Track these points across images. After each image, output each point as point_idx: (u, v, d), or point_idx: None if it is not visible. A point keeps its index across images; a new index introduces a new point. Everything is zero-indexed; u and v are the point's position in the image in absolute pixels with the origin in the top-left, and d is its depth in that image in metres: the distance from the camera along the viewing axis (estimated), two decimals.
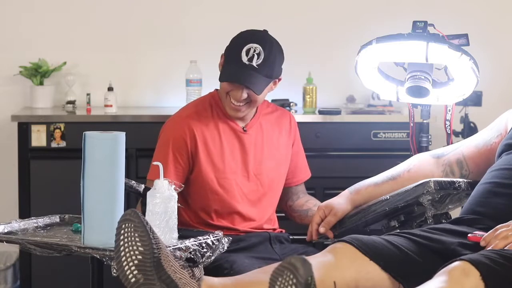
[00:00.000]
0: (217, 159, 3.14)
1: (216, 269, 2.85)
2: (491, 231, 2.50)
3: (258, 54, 3.07)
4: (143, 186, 2.80)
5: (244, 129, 3.19)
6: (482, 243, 2.49)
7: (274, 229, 3.27)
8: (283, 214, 3.39)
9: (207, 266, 2.55)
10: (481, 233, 2.54)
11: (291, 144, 3.29)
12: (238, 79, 3.07)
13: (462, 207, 2.86)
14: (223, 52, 3.17)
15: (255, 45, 3.08)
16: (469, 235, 2.55)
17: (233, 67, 3.09)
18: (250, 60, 3.07)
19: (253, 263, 2.92)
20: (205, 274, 2.51)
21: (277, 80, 3.17)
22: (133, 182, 2.78)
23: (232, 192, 3.15)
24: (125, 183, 2.60)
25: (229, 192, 3.15)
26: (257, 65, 3.07)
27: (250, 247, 3.13)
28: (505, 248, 2.41)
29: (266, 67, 3.08)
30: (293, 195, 3.33)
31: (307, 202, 3.29)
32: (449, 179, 2.88)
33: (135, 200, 4.06)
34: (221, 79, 3.12)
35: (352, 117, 4.31)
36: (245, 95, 3.09)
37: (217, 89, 3.24)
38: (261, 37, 3.12)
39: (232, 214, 3.17)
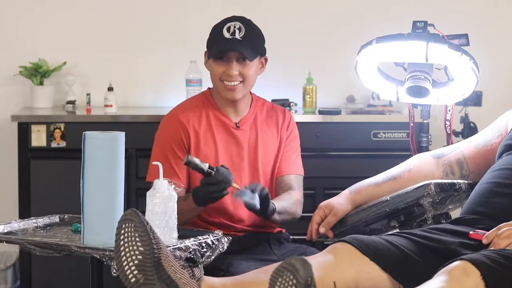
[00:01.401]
0: (210, 156, 3.15)
1: (212, 270, 2.85)
2: (494, 229, 2.50)
3: (239, 29, 3.13)
4: (207, 165, 2.86)
5: (237, 125, 3.20)
6: (485, 241, 2.49)
7: (274, 229, 3.26)
8: None
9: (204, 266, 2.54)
10: (482, 231, 2.54)
11: (284, 138, 3.27)
12: (227, 49, 3.11)
13: (462, 207, 2.86)
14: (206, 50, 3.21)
15: (234, 22, 3.15)
16: (470, 232, 2.55)
17: (218, 45, 3.13)
18: (233, 35, 3.11)
19: (250, 264, 2.92)
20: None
21: (264, 60, 3.21)
22: (197, 159, 2.85)
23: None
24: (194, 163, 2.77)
25: None
26: (241, 38, 3.12)
27: (248, 249, 3.12)
28: (506, 247, 2.41)
29: (250, 38, 3.12)
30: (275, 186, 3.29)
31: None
32: (449, 181, 2.88)
33: (135, 200, 4.07)
34: (210, 56, 3.15)
35: (352, 117, 4.31)
36: (236, 71, 3.11)
37: (209, 88, 3.25)
38: (237, 17, 3.18)
39: (228, 211, 3.16)
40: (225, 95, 3.16)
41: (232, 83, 3.13)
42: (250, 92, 3.24)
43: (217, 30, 3.15)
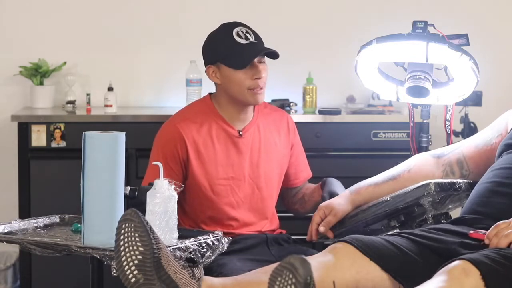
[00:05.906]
0: (210, 165, 3.12)
1: (206, 271, 2.83)
2: (492, 228, 2.50)
3: (248, 32, 3.07)
4: (128, 188, 2.79)
5: (240, 133, 3.17)
6: (487, 241, 2.49)
7: (274, 230, 3.26)
8: (285, 214, 3.39)
9: None
10: (482, 230, 2.54)
11: (289, 146, 3.27)
12: (255, 53, 3.04)
13: (462, 207, 2.86)
14: (209, 64, 3.11)
15: (239, 27, 3.08)
16: (470, 231, 2.55)
17: (239, 53, 3.05)
18: (247, 39, 3.06)
19: (245, 265, 2.90)
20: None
21: None
22: None
23: (227, 198, 3.14)
24: None
25: (224, 198, 3.13)
26: (255, 40, 3.07)
27: (246, 249, 3.11)
28: (509, 246, 2.41)
29: (261, 41, 3.09)
30: (297, 193, 3.33)
31: (305, 190, 3.32)
32: (449, 180, 2.88)
33: None
34: (239, 66, 3.05)
35: (352, 117, 4.31)
36: (264, 73, 3.08)
37: (210, 93, 3.21)
38: (236, 22, 3.10)
39: (228, 220, 3.15)
40: (253, 101, 3.09)
41: (260, 87, 3.07)
42: None
43: (226, 39, 3.05)
